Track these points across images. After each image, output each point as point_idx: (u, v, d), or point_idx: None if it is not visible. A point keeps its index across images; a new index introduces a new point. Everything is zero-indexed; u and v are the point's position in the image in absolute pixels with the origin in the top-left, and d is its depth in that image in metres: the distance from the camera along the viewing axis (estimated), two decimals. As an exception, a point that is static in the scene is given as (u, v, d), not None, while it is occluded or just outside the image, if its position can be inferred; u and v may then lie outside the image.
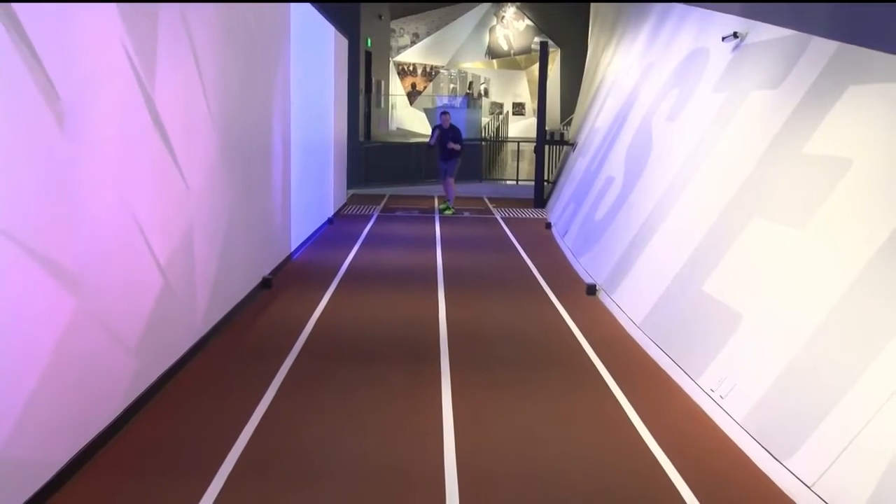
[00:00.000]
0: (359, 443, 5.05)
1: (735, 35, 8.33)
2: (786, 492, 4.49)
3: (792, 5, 7.07)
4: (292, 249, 10.97)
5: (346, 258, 11.17)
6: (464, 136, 16.71)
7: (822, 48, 6.38)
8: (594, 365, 6.77)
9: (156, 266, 5.59)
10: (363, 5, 20.73)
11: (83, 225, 4.42)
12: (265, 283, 9.08)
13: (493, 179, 21.53)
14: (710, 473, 4.75)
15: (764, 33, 7.69)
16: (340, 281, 9.73)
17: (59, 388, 4.21)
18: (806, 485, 4.33)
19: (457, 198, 16.82)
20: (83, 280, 4.43)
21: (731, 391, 5.47)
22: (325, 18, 13.37)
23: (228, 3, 7.25)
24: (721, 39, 8.61)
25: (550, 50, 21.09)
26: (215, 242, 7.14)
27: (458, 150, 16.13)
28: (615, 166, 11.38)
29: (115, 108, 4.83)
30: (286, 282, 9.50)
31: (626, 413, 5.69)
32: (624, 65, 14.43)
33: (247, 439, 5.01)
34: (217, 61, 6.98)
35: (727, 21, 8.67)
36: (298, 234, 11.43)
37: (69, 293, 4.27)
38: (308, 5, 11.67)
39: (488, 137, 24.17)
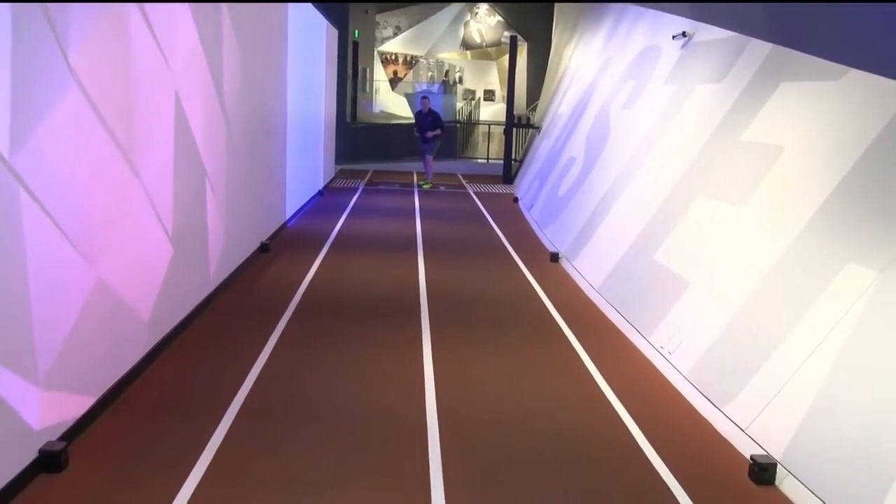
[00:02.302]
0: (349, 389, 5.09)
1: (684, 34, 8.38)
2: (723, 434, 4.58)
3: (735, 12, 7.13)
4: (287, 218, 10.94)
5: (335, 226, 11.16)
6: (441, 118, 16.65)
7: (759, 49, 6.45)
8: (558, 324, 6.84)
9: (170, 232, 5.59)
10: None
11: (111, 192, 4.43)
12: (263, 248, 9.06)
13: (466, 158, 21.53)
14: (659, 419, 4.82)
15: (709, 34, 7.74)
16: (331, 247, 9.72)
17: (88, 337, 4.23)
18: (740, 428, 4.44)
19: (434, 174, 16.78)
20: (107, 242, 4.44)
21: (678, 348, 5.55)
22: (319, 12, 13.25)
23: (230, 3, 7.16)
24: (671, 38, 8.66)
25: (518, 43, 20.99)
26: (223, 210, 7.12)
27: (440, 134, 16.07)
28: (576, 148, 11.42)
29: (142, 91, 4.82)
30: (282, 247, 9.48)
31: (586, 366, 5.77)
32: (585, 58, 14.43)
33: (251, 385, 5.04)
34: (225, 48, 6.92)
35: (677, 22, 8.72)
36: (292, 203, 11.39)
37: (96, 253, 4.28)
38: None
39: (462, 120, 24.16)
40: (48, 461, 3.73)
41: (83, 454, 3.94)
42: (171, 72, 5.42)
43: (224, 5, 6.87)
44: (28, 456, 3.65)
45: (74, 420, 4.10)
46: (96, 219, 4.28)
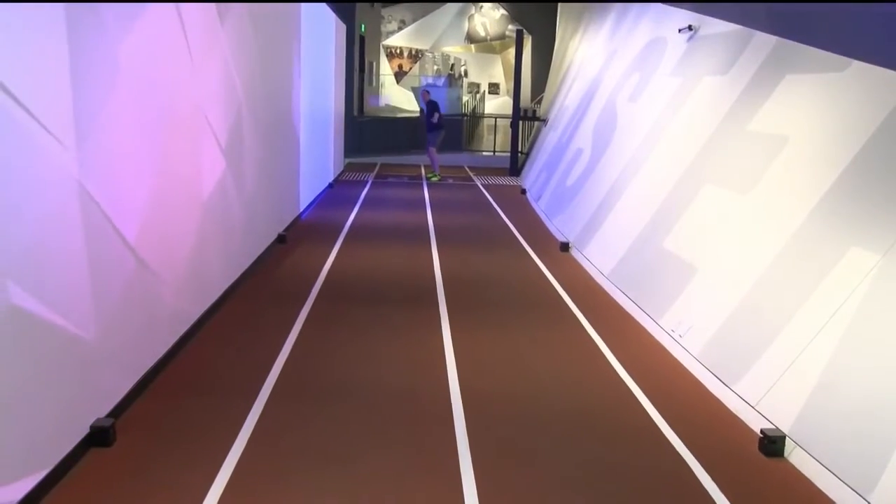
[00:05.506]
0: (375, 370, 5.28)
1: (689, 28, 8.53)
2: (733, 410, 4.76)
3: (736, 6, 7.27)
4: (301, 210, 11.12)
5: (348, 218, 11.32)
6: (443, 110, 16.94)
7: (764, 42, 6.59)
8: (569, 308, 7.02)
9: (198, 222, 5.77)
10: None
11: (145, 192, 4.62)
12: (280, 239, 9.24)
13: (472, 150, 21.71)
14: (671, 396, 5.00)
15: (714, 27, 7.88)
16: (345, 237, 9.89)
17: (128, 318, 4.43)
18: (750, 404, 4.61)
19: (440, 166, 16.94)
20: (144, 239, 4.63)
21: (688, 331, 5.71)
22: (329, 7, 13.41)
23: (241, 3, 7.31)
24: (678, 31, 8.80)
25: (523, 36, 21.11)
26: (244, 203, 7.30)
27: (438, 124, 16.21)
28: (584, 140, 11.56)
29: (165, 96, 5.00)
30: (298, 238, 9.64)
31: (598, 347, 5.95)
32: (590, 51, 14.55)
33: (281, 366, 5.23)
34: (244, 41, 7.10)
35: (682, 15, 8.85)
36: (305, 196, 11.56)
37: (131, 251, 4.47)
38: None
39: (467, 113, 24.35)
40: (98, 436, 3.93)
41: (129, 431, 4.14)
42: (192, 65, 5.59)
43: (243, 7, 7.03)
44: (81, 431, 3.85)
45: (121, 398, 4.30)
46: (138, 209, 4.47)
